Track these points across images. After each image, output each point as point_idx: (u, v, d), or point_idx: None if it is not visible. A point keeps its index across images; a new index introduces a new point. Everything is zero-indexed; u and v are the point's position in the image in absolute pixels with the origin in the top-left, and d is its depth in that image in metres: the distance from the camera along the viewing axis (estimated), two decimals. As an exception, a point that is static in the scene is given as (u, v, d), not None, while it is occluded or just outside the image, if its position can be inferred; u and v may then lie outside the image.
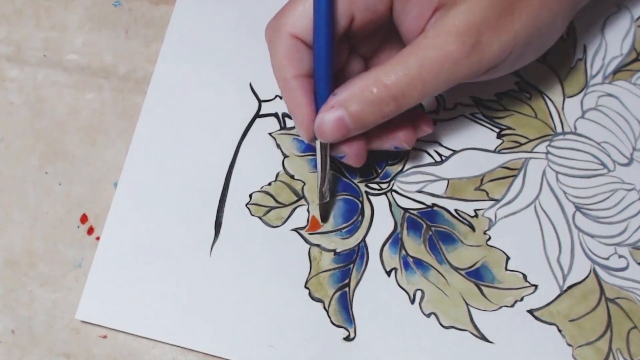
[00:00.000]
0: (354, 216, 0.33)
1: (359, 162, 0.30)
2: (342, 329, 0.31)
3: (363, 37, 0.29)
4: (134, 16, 0.37)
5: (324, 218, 0.33)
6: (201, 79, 0.35)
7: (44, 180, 0.34)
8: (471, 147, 0.34)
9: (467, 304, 0.31)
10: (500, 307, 0.31)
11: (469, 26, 0.26)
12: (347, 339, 0.31)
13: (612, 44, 0.36)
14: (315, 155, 0.34)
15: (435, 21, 0.27)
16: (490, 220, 0.33)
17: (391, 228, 0.33)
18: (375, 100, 0.27)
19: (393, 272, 0.32)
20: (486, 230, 0.32)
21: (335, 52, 0.28)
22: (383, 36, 0.31)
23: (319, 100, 0.28)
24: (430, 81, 0.27)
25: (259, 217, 0.33)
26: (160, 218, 0.33)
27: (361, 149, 0.30)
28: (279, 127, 0.35)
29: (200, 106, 0.35)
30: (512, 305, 0.31)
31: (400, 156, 0.34)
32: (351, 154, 0.30)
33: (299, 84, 0.28)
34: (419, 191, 0.33)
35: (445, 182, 0.33)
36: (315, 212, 0.33)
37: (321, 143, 0.29)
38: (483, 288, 0.32)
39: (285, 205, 0.33)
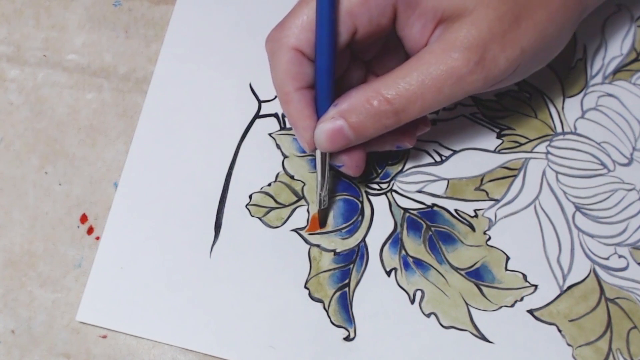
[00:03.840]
0: (354, 216, 0.33)
1: (357, 172, 0.30)
2: (342, 329, 0.31)
3: (365, 46, 0.29)
4: (134, 16, 0.37)
5: (322, 224, 0.33)
6: (201, 79, 0.35)
7: (44, 180, 0.34)
8: (471, 147, 0.34)
9: (467, 304, 0.31)
10: (500, 307, 0.31)
11: (474, 41, 0.25)
12: (347, 339, 0.31)
13: (612, 44, 0.36)
14: (315, 155, 0.34)
15: (439, 35, 0.26)
16: (490, 220, 0.33)
17: (391, 228, 0.33)
18: (376, 113, 0.27)
19: (393, 272, 0.32)
20: (486, 230, 0.32)
21: (337, 63, 0.28)
22: (385, 41, 0.30)
23: (319, 111, 0.28)
24: (432, 97, 0.26)
25: (259, 218, 0.33)
26: (160, 218, 0.33)
27: (360, 159, 0.30)
28: (278, 128, 0.35)
29: (200, 106, 0.35)
30: (512, 305, 0.31)
31: (400, 156, 0.34)
32: (350, 164, 0.30)
33: (301, 97, 0.28)
34: (419, 191, 0.33)
35: (445, 182, 0.33)
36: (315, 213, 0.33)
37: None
38: (483, 288, 0.32)
39: (285, 206, 0.33)
